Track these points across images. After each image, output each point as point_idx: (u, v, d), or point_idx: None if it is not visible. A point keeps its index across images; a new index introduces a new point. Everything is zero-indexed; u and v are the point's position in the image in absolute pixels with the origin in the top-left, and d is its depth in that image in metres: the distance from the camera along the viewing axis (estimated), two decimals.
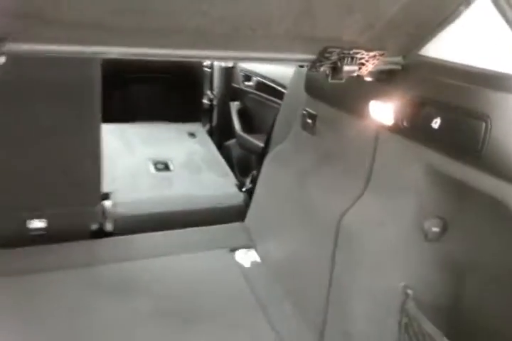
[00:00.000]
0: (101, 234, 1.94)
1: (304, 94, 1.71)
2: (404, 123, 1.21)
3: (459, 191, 1.17)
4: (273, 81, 2.42)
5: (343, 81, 1.18)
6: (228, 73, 3.02)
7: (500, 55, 0.99)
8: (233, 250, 1.87)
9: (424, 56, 1.15)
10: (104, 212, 1.95)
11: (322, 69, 1.15)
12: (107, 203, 1.98)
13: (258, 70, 2.62)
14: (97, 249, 1.86)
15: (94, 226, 1.94)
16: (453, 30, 1.06)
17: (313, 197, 1.55)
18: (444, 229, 1.25)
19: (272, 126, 2.10)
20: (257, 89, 2.70)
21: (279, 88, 2.31)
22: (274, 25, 0.98)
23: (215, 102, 3.15)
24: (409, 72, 1.19)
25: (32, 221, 1.81)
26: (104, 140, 1.81)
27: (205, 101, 3.21)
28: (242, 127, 2.75)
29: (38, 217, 1.82)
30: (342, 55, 1.07)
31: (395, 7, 0.95)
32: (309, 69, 1.18)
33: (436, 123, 1.11)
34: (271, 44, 1.04)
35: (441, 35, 1.08)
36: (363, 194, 1.37)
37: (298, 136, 1.76)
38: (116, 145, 2.50)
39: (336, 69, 1.13)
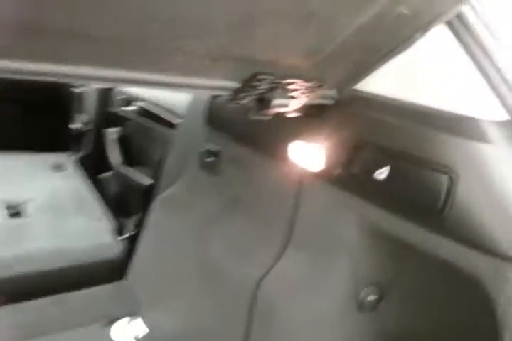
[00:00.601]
0: None
1: (203, 127, 1.43)
2: (338, 171, 0.99)
3: (401, 253, 0.98)
4: (161, 107, 2.09)
5: (268, 118, 0.92)
6: (104, 95, 2.61)
7: (460, 94, 0.83)
8: (110, 322, 1.45)
9: (363, 91, 0.96)
10: None
11: (245, 101, 0.88)
12: None
13: (142, 94, 2.27)
14: None
15: None
16: (402, 63, 0.88)
17: (219, 254, 1.25)
18: (381, 296, 1.05)
19: (160, 160, 1.76)
20: (140, 116, 2.33)
21: (168, 116, 1.98)
22: (192, 40, 0.68)
23: (86, 128, 2.69)
24: (343, 109, 0.99)
25: None
26: None
27: (73, 126, 2.73)
28: (121, 159, 2.34)
29: None
30: (273, 85, 0.82)
31: (350, 29, 0.73)
32: (230, 101, 0.90)
33: (381, 173, 0.90)
34: (185, 65, 0.74)
35: (388, 67, 0.90)
36: (283, 253, 1.12)
37: (196, 176, 1.45)
38: None
39: (262, 103, 0.87)
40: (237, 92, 0.82)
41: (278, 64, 0.77)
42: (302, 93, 0.87)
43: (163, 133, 1.98)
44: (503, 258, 0.77)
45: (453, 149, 0.79)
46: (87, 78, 0.70)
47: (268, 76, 0.78)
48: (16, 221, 1.80)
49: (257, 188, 1.22)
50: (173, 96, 1.99)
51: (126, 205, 2.19)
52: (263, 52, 0.73)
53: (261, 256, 1.14)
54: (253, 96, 0.84)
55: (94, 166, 2.52)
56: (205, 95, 1.37)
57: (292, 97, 0.86)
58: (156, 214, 1.54)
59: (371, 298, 1.03)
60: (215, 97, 1.33)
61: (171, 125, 1.90)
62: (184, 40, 0.66)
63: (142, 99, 2.29)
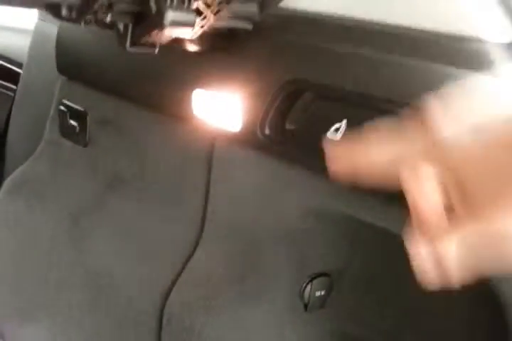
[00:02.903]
0: None
1: (57, 77, 1.00)
2: (263, 131, 0.68)
3: (355, 235, 0.73)
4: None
5: (154, 50, 0.57)
6: None
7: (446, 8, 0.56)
8: None
9: (298, 9, 0.64)
10: None
11: (107, 19, 0.51)
12: None
13: None
14: None
15: None
16: None
17: (101, 255, 0.89)
18: (330, 289, 0.81)
19: (5, 130, 1.27)
20: None
21: (12, 67, 1.45)
22: None
23: None
24: (269, 36, 0.66)
25: None
26: None
27: None
28: None
29: None
30: None
31: None
32: (72, 20, 0.52)
33: (334, 131, 0.62)
34: None
35: None
36: (196, 247, 0.80)
37: (56, 148, 1.03)
38: None
39: (143, 21, 0.51)
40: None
41: None
42: (208, 5, 0.53)
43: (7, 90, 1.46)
44: None
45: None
46: None
47: None
48: None
49: (147, 160, 0.86)
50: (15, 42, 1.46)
51: None
52: None
53: (165, 254, 0.81)
54: (123, 9, 0.48)
55: None
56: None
57: (197, 12, 0.51)
58: (4, 203, 1.09)
59: (319, 293, 0.79)
60: (63, 27, 0.90)
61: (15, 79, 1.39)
62: None
63: None
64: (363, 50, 0.59)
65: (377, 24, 0.58)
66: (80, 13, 0.47)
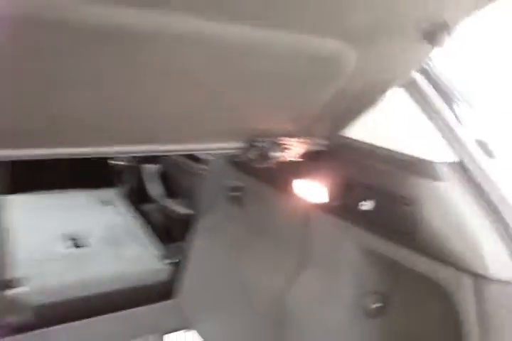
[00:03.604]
0: (10, 329, 1.69)
1: (229, 166, 1.70)
2: (333, 203, 1.24)
3: (395, 268, 1.20)
4: None
5: (270, 166, 1.19)
6: None
7: (417, 140, 1.07)
8: (164, 334, 1.72)
9: (347, 138, 1.20)
10: (12, 302, 1.71)
11: (249, 156, 1.16)
12: (16, 291, 1.74)
13: None
14: None
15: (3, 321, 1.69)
16: (374, 116, 1.13)
17: (249, 272, 1.51)
18: (384, 304, 1.27)
19: (195, 191, 2.05)
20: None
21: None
22: (203, 120, 0.97)
23: (126, 165, 3.03)
24: (334, 153, 1.24)
25: None
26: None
27: (115, 163, 3.07)
28: (161, 191, 2.66)
29: None
30: (271, 143, 1.09)
31: (322, 102, 0.99)
32: (237, 157, 1.18)
33: (365, 205, 1.14)
34: (199, 137, 1.02)
35: (364, 119, 1.14)
36: (299, 272, 1.36)
37: (225, 207, 1.72)
38: (18, 221, 2.25)
39: (262, 156, 1.14)
40: (243, 150, 1.10)
41: (270, 130, 1.04)
42: (295, 145, 1.13)
43: (194, 168, 2.27)
44: (464, 270, 0.98)
45: (416, 186, 1.03)
46: (136, 152, 1.00)
47: (264, 138, 1.05)
48: (78, 251, 2.12)
49: (273, 217, 1.48)
50: None
51: (168, 233, 2.48)
52: (255, 125, 1.01)
53: (281, 273, 1.39)
54: (256, 152, 1.11)
55: (137, 199, 2.84)
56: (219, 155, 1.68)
57: (286, 149, 1.12)
58: (198, 239, 1.82)
59: (375, 305, 1.26)
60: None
61: (200, 160, 2.19)
62: (199, 122, 0.95)
63: None
64: (378, 164, 1.11)
65: (385, 149, 1.10)
66: (240, 155, 1.12)
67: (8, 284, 1.71)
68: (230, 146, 1.10)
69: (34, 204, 2.48)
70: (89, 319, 1.76)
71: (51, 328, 1.72)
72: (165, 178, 2.73)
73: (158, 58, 0.75)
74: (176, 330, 1.75)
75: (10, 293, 1.71)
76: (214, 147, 1.09)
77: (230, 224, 1.69)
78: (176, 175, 2.63)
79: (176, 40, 0.72)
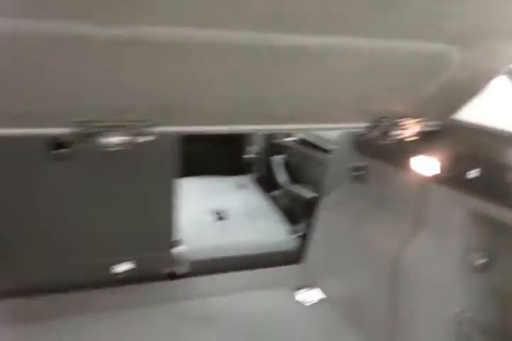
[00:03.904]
0: (173, 276, 2.19)
1: (351, 151, 2.01)
2: (445, 175, 1.48)
3: (499, 227, 1.40)
4: (316, 137, 2.74)
5: (392, 142, 1.47)
6: None
7: None
8: (294, 290, 2.09)
9: (458, 120, 1.44)
10: (176, 257, 2.21)
11: (374, 134, 1.46)
12: (178, 249, 2.24)
13: None
14: (173, 289, 2.10)
15: (168, 270, 2.20)
16: (483, 99, 1.36)
17: (370, 237, 1.79)
18: (489, 260, 1.47)
19: (319, 177, 2.39)
20: (299, 144, 3.01)
21: (322, 144, 2.61)
22: (336, 104, 1.30)
23: (257, 156, 3.49)
24: (446, 132, 1.48)
25: (115, 265, 2.08)
26: None
27: (247, 156, 3.56)
28: (287, 178, 3.05)
29: (121, 261, 2.09)
30: (391, 123, 1.38)
31: (433, 89, 1.26)
32: (363, 135, 1.49)
33: (472, 173, 1.37)
34: (329, 117, 1.35)
35: (473, 102, 1.38)
36: (413, 235, 1.62)
37: (350, 185, 2.03)
38: (182, 197, 2.80)
39: (384, 134, 1.43)
40: (368, 129, 1.40)
41: (391, 111, 1.33)
42: (413, 126, 1.41)
43: (319, 157, 2.61)
44: None
45: None
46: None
47: (387, 119, 1.35)
48: (221, 222, 2.60)
49: (392, 190, 1.75)
50: None
51: (293, 214, 2.85)
52: (381, 107, 1.31)
53: (398, 237, 1.66)
54: (379, 131, 1.41)
55: (266, 185, 3.27)
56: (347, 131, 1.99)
57: (404, 129, 1.40)
58: (323, 214, 2.16)
59: (481, 261, 1.47)
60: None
61: (325, 151, 2.52)
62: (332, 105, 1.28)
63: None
64: (487, 141, 1.34)
65: (492, 128, 1.32)
66: (368, 132, 1.43)
67: (175, 244, 2.21)
68: (359, 126, 1.42)
69: (191, 185, 3.05)
70: (231, 273, 2.20)
71: (202, 277, 2.19)
72: (289, 167, 3.12)
73: (312, 65, 1.08)
74: (302, 288, 2.10)
75: (175, 250, 2.21)
76: (347, 126, 1.42)
77: (353, 199, 1.99)
78: (300, 163, 2.99)
79: (324, 52, 1.04)
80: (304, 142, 2.98)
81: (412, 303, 1.54)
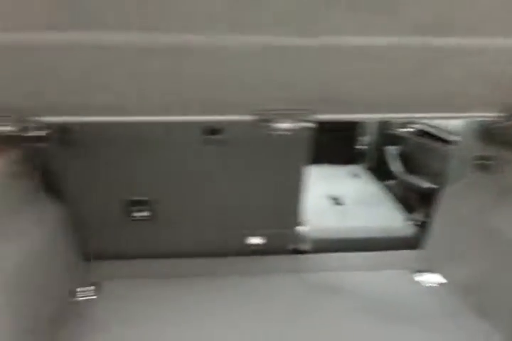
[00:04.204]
0: (297, 251, 2.42)
1: (476, 141, 2.06)
2: None
3: None
4: (435, 128, 2.78)
5: None
6: (383, 121, 3.46)
7: None
8: (413, 272, 2.20)
9: None
10: (300, 235, 2.43)
11: (506, 123, 1.52)
12: (302, 228, 2.46)
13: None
14: (297, 262, 2.33)
15: (292, 246, 2.43)
16: None
17: (497, 226, 1.85)
18: None
19: (437, 168, 2.44)
20: (416, 135, 3.07)
21: (443, 134, 2.65)
22: (464, 93, 1.38)
23: (368, 146, 3.59)
24: None
25: (249, 238, 2.36)
26: None
27: (359, 146, 3.67)
28: (402, 169, 3.12)
29: (254, 235, 2.36)
30: None
31: None
32: (492, 124, 1.56)
33: None
34: (456, 106, 1.44)
35: None
36: None
37: (471, 177, 2.08)
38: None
39: None
40: (504, 118, 1.48)
41: None
42: None
43: (440, 149, 2.66)
44: None
45: None
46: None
47: None
48: (338, 207, 2.77)
49: None
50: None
51: (407, 203, 2.93)
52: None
53: None
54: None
55: (378, 175, 3.37)
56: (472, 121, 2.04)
57: None
58: (445, 203, 2.23)
59: None
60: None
61: (446, 142, 2.57)
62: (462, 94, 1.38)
63: (417, 122, 3.02)
64: None
65: None
66: (499, 122, 1.50)
67: (299, 224, 2.42)
68: (489, 115, 1.49)
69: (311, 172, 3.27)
70: (350, 253, 2.37)
71: (323, 254, 2.39)
72: (404, 158, 3.18)
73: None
74: (421, 272, 2.20)
75: (299, 229, 2.43)
76: (475, 115, 1.50)
77: (479, 189, 2.04)
78: (417, 154, 3.05)
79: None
80: (421, 133, 3.03)
81: None
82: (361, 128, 3.74)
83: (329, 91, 1.30)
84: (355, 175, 3.30)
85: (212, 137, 2.04)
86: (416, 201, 2.84)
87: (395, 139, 3.32)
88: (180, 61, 1.05)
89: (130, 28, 0.92)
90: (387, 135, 3.42)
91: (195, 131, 2.01)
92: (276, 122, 1.28)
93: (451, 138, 2.51)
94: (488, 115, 1.53)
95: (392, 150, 3.30)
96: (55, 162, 2.03)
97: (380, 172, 3.36)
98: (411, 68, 1.19)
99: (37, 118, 1.19)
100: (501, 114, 1.51)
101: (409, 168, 3.10)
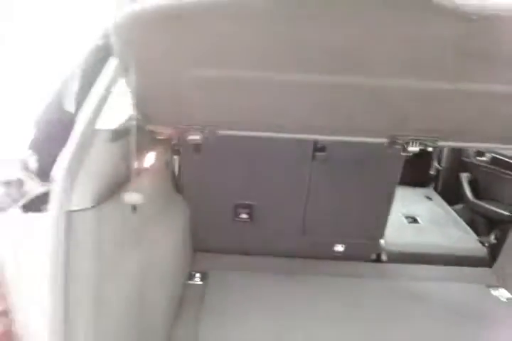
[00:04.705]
0: (378, 261, 2.70)
1: None
2: None
3: None
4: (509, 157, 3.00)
5: None
6: (459, 149, 3.68)
7: None
8: (488, 287, 2.42)
9: None
10: (382, 246, 2.71)
11: None
12: (383, 241, 2.74)
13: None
14: (378, 269, 2.61)
15: (373, 255, 2.71)
16: None
17: None
18: None
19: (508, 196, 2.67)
20: (490, 164, 3.28)
21: None
22: None
23: (440, 173, 3.82)
24: None
25: (335, 245, 2.66)
26: None
27: (432, 171, 3.90)
28: (472, 195, 3.34)
29: (339, 243, 2.66)
30: None
31: None
32: None
33: None
34: None
35: None
36: None
37: None
38: None
39: None
40: None
41: None
42: None
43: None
44: None
45: None
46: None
47: None
48: (415, 225, 3.02)
49: None
50: None
51: (475, 227, 3.14)
52: None
53: None
54: None
55: (448, 198, 3.58)
56: None
57: None
58: None
59: None
60: None
61: None
62: None
63: (491, 151, 3.24)
64: None
65: None
66: None
67: (381, 237, 2.69)
68: None
69: None
70: (427, 265, 2.62)
71: (402, 265, 2.65)
72: (475, 184, 3.39)
73: None
74: (493, 287, 2.42)
75: (381, 241, 2.70)
76: None
77: None
78: (490, 183, 3.25)
79: None
80: (495, 161, 3.24)
81: None
82: (435, 154, 3.97)
83: (455, 123, 1.58)
84: (428, 197, 3.54)
85: (318, 154, 2.38)
86: (483, 225, 3.05)
87: (468, 166, 3.54)
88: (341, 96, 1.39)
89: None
90: (462, 161, 3.64)
91: (309, 148, 2.35)
92: (408, 146, 1.58)
93: None
94: None
95: (465, 176, 3.52)
96: (183, 166, 2.43)
97: (450, 196, 3.58)
98: None
99: (217, 131, 1.57)
100: None
101: (480, 194, 3.31)
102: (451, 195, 3.54)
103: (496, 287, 2.43)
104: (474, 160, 3.48)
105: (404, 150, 1.56)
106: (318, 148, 2.38)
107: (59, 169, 1.19)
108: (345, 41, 1.14)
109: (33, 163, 1.33)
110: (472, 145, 2.10)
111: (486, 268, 2.62)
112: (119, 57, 1.26)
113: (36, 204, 1.25)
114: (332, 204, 2.53)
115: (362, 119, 1.52)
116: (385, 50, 1.17)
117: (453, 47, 1.14)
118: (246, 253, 2.66)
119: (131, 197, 1.32)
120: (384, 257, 2.71)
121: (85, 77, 1.36)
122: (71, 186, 1.19)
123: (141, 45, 1.20)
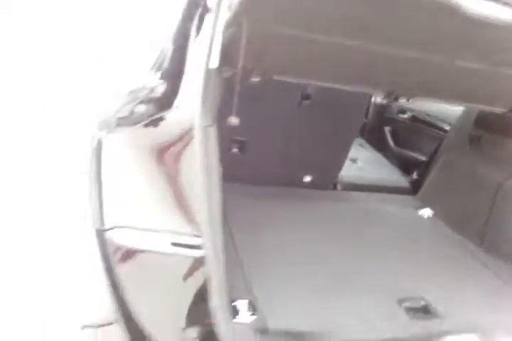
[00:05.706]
0: (333, 189, 3.46)
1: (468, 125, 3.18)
2: None
3: None
4: (430, 116, 3.92)
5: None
6: (383, 106, 4.55)
7: None
8: (415, 208, 3.33)
9: None
10: (337, 179, 3.46)
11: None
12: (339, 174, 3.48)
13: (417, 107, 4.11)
14: (336, 195, 3.36)
15: (331, 186, 3.46)
16: None
17: (478, 172, 2.97)
18: None
19: (425, 146, 3.60)
20: (411, 121, 4.19)
21: (437, 122, 3.81)
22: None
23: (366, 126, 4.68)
24: None
25: (305, 176, 3.34)
26: None
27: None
28: (393, 143, 4.27)
29: (308, 174, 3.34)
30: None
31: None
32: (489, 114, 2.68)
33: None
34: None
35: None
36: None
37: (466, 146, 3.20)
38: None
39: None
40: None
41: None
42: None
43: (431, 135, 3.80)
44: None
45: None
46: None
47: None
48: (355, 165, 3.84)
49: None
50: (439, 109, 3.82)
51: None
52: None
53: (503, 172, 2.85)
54: None
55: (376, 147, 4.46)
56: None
57: None
58: (439, 164, 3.36)
59: None
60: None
61: (440, 129, 3.72)
62: None
63: (413, 110, 4.14)
64: None
65: None
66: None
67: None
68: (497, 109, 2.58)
69: None
70: (362, 192, 3.45)
71: (348, 192, 3.45)
72: (397, 136, 4.31)
73: None
74: (419, 208, 3.32)
75: (337, 175, 3.44)
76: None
77: (469, 154, 3.17)
78: (405, 133, 4.18)
79: None
80: (414, 118, 4.17)
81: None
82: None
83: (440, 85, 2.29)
84: (361, 145, 4.39)
85: (304, 101, 2.98)
86: (403, 167, 3.99)
87: (391, 122, 4.44)
88: None
89: None
90: (387, 118, 4.51)
91: (296, 96, 2.93)
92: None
93: (439, 124, 3.68)
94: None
95: (387, 129, 4.42)
96: None
97: (376, 145, 4.47)
98: None
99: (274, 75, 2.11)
100: (504, 109, 2.60)
101: (399, 144, 4.24)
102: (377, 144, 4.43)
103: (420, 208, 3.33)
104: (396, 117, 4.39)
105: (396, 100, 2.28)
106: (304, 96, 2.97)
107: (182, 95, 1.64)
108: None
109: (161, 89, 1.74)
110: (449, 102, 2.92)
111: (411, 196, 3.54)
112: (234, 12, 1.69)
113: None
114: (306, 143, 3.18)
115: (376, 75, 2.16)
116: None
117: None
118: (235, 181, 3.20)
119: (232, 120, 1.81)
120: (339, 186, 3.48)
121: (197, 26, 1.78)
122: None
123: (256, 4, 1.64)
